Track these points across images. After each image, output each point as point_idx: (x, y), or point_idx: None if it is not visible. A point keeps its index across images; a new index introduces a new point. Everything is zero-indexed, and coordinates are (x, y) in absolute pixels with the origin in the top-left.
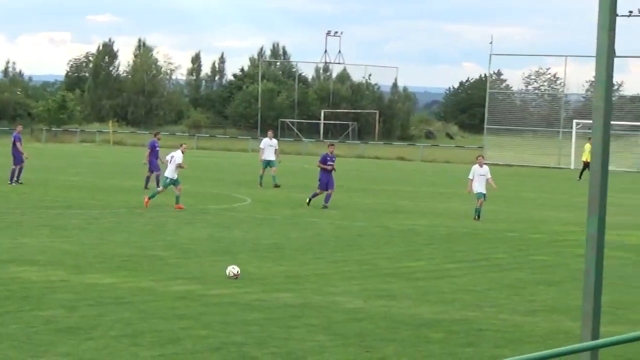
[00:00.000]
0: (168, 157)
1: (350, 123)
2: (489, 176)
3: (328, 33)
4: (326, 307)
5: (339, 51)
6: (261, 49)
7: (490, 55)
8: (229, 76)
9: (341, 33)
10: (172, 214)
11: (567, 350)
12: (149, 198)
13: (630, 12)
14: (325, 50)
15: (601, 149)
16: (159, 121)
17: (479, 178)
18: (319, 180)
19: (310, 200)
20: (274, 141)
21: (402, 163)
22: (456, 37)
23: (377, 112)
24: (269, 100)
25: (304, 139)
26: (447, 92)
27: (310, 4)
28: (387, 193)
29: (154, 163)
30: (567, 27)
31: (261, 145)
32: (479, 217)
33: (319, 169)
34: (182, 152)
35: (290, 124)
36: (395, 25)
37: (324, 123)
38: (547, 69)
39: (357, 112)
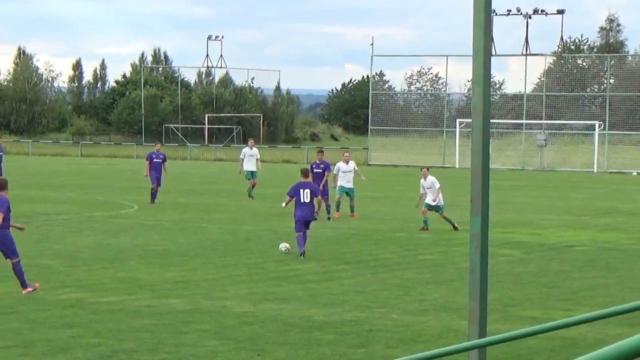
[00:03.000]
0: None
1: (234, 127)
2: (437, 185)
3: (209, 37)
4: (217, 312)
5: (221, 55)
6: (142, 54)
7: (372, 56)
8: (111, 83)
9: (222, 37)
10: (58, 222)
11: (454, 350)
12: None
13: (509, 11)
14: (207, 55)
15: (481, 147)
16: (42, 129)
17: (427, 192)
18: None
19: (331, 212)
20: (255, 150)
21: (287, 166)
22: (337, 39)
23: (261, 115)
24: (152, 106)
25: (188, 144)
26: (330, 93)
27: (189, 9)
28: (274, 196)
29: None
30: (446, 27)
31: (241, 156)
32: (453, 222)
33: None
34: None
35: (174, 129)
36: (275, 27)
37: (209, 128)
38: (429, 69)
39: (241, 116)
